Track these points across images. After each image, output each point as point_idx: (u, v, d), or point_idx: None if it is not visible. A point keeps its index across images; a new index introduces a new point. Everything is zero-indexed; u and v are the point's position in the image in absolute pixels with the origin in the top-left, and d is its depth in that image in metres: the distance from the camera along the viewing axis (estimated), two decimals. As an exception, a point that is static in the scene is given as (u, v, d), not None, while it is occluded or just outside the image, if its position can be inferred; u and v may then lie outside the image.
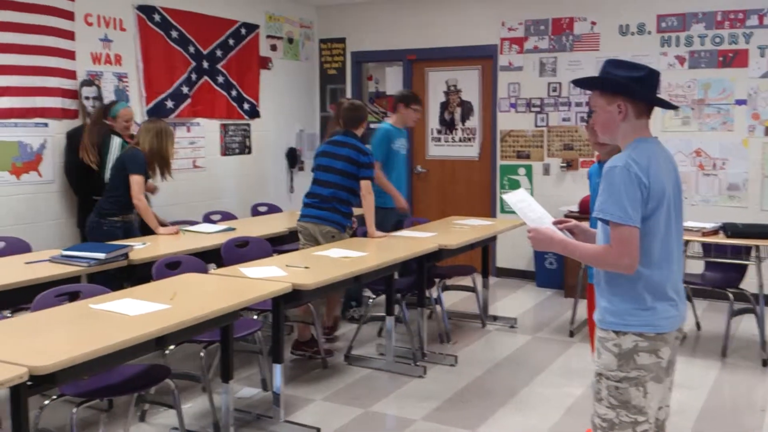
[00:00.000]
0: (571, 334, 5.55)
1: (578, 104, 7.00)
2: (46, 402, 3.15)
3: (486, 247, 5.98)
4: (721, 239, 5.00)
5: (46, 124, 5.53)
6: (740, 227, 5.02)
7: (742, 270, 5.32)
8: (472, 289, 6.05)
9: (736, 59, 6.44)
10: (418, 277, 5.01)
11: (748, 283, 5.26)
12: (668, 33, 6.68)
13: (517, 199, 2.68)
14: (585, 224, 2.61)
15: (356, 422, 4.02)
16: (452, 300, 6.54)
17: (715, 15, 6.50)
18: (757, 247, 4.94)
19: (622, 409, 2.38)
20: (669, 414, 2.58)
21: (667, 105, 2.55)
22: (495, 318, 5.97)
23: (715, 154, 6.56)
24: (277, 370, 3.86)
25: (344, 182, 5.02)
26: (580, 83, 2.59)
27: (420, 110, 6.11)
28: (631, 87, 2.39)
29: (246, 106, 7.33)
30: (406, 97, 6.07)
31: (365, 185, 5.00)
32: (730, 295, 5.19)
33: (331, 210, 5.03)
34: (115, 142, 5.44)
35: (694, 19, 6.58)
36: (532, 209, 2.63)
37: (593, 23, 6.98)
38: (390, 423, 4.06)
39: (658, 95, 2.52)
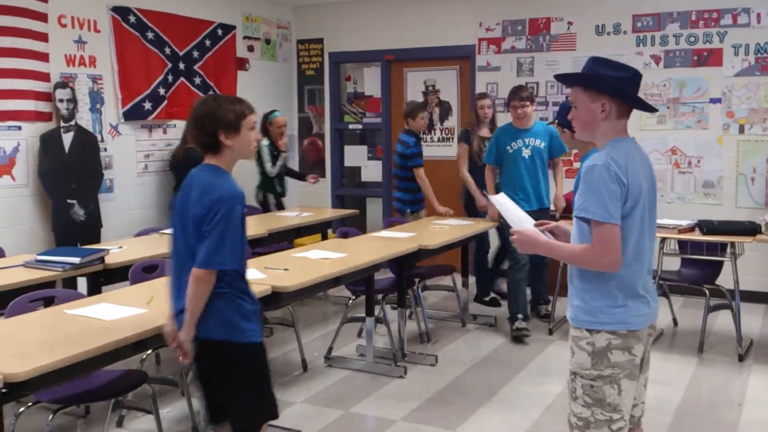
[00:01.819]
0: (550, 332, 5.57)
1: (555, 104, 7.03)
2: (22, 409, 3.11)
3: (466, 246, 5.99)
4: (696, 236, 5.05)
5: (19, 127, 5.46)
6: (715, 224, 5.07)
7: (717, 266, 5.37)
8: (452, 289, 6.07)
9: (710, 58, 6.51)
10: (397, 277, 5.01)
11: (724, 279, 5.31)
12: (644, 33, 6.73)
13: (501, 201, 2.71)
14: (565, 225, 2.62)
15: (336, 424, 4.01)
16: (432, 300, 6.55)
17: (689, 14, 6.57)
18: (733, 243, 4.99)
19: (597, 408, 2.39)
20: (644, 411, 2.60)
21: (649, 108, 2.56)
22: (475, 317, 5.98)
23: (691, 152, 6.63)
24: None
25: (400, 173, 6.25)
26: (565, 78, 2.58)
27: (518, 105, 5.61)
28: (619, 87, 2.39)
29: (223, 107, 7.28)
30: (509, 95, 5.78)
31: (416, 173, 6.14)
32: (707, 292, 5.24)
33: (396, 199, 6.39)
34: (263, 145, 6.69)
35: (669, 18, 6.64)
36: (514, 213, 2.65)
37: (570, 23, 7.02)
38: (370, 424, 4.06)
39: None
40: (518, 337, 5.40)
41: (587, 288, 2.41)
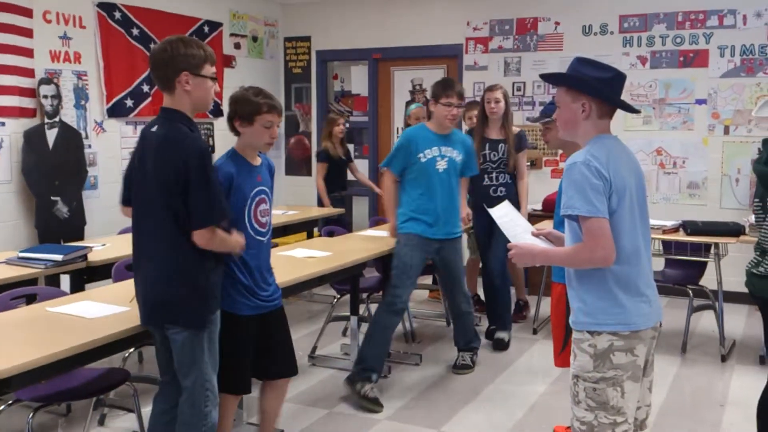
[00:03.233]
0: (535, 332, 5.58)
1: (542, 103, 7.03)
2: (2, 407, 3.08)
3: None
4: (681, 237, 5.07)
5: (2, 123, 5.41)
6: (700, 225, 5.09)
7: (701, 267, 5.40)
8: (436, 288, 6.07)
9: (696, 59, 6.55)
10: (383, 276, 5.00)
11: (708, 280, 5.34)
12: (630, 33, 6.76)
13: (502, 213, 2.68)
14: (558, 232, 2.61)
15: (320, 423, 4.00)
16: (416, 299, 6.54)
17: (676, 15, 6.60)
18: (717, 244, 5.02)
19: (600, 411, 2.36)
20: (649, 414, 2.58)
21: (630, 109, 2.57)
22: (460, 316, 5.97)
23: (676, 153, 6.66)
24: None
25: None
26: (548, 78, 2.60)
27: (454, 103, 4.38)
28: (598, 88, 2.39)
29: (210, 104, 7.25)
30: (435, 90, 4.48)
31: None
32: (690, 292, 5.27)
33: None
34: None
35: (655, 19, 6.67)
36: (515, 223, 2.61)
37: (557, 23, 7.04)
38: (354, 423, 4.04)
39: (622, 98, 2.53)
40: (366, 406, 4.17)
41: (587, 289, 2.39)
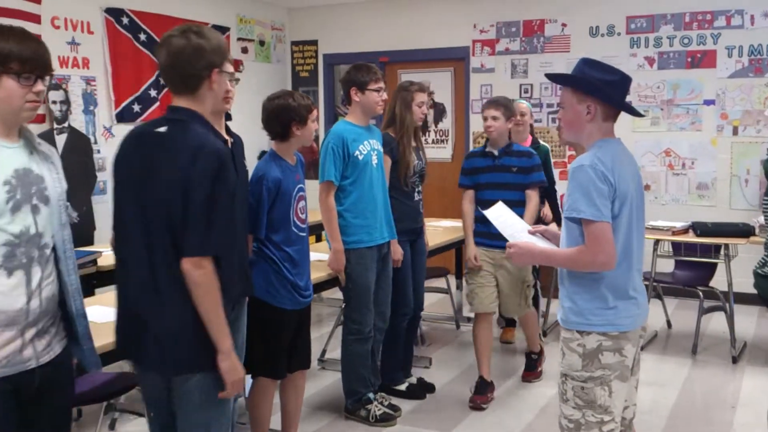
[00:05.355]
0: (544, 335, 5.56)
1: (549, 105, 7.03)
2: (13, 412, 3.09)
3: (459, 248, 5.97)
4: (690, 238, 5.06)
5: (12, 129, 5.44)
6: (709, 226, 5.08)
7: (711, 268, 5.38)
8: (446, 291, 6.06)
9: (704, 60, 6.52)
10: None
11: (718, 281, 5.32)
12: (637, 34, 6.75)
13: (496, 214, 2.70)
14: (555, 229, 2.63)
15: (330, 427, 4.00)
16: (426, 302, 6.52)
17: (683, 16, 6.58)
18: (726, 245, 5.00)
19: (588, 409, 2.39)
20: (636, 412, 2.60)
21: (634, 112, 2.57)
22: (469, 319, 5.96)
23: (685, 154, 6.64)
24: (249, 376, 3.82)
25: None
26: (554, 78, 2.60)
27: (383, 88, 3.97)
28: (605, 90, 2.39)
29: (217, 109, 7.27)
30: (357, 77, 3.95)
31: None
32: (700, 294, 5.25)
33: None
34: None
35: (662, 20, 6.66)
36: (510, 223, 2.64)
37: (564, 25, 7.03)
38: (363, 427, 4.04)
39: (630, 99, 2.53)
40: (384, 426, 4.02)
41: (577, 290, 2.41)
